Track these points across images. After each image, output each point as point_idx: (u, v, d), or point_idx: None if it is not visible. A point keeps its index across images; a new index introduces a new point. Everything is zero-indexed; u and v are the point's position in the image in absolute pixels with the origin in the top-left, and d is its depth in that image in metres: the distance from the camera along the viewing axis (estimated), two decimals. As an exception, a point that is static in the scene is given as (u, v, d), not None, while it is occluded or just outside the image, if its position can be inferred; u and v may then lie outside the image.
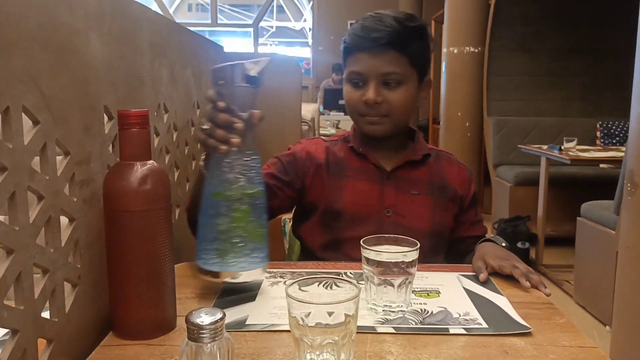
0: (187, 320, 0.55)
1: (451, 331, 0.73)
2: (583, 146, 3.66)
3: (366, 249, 0.79)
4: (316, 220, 1.13)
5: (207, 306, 0.60)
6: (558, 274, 3.27)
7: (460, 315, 0.78)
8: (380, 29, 1.03)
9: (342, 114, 5.87)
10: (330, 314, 0.58)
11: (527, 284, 0.89)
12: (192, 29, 1.37)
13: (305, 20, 14.69)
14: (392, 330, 0.73)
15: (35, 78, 0.58)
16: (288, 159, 1.15)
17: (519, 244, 3.42)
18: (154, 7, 7.09)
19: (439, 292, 0.87)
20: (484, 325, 0.75)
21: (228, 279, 0.81)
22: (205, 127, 0.81)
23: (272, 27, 15.55)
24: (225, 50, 1.72)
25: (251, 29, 7.58)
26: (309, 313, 0.58)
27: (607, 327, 2.52)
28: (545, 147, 3.53)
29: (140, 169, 0.69)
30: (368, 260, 0.79)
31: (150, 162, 0.71)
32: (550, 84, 4.65)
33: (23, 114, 0.57)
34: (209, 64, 1.49)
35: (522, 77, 4.65)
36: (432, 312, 0.79)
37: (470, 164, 4.55)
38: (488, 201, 4.73)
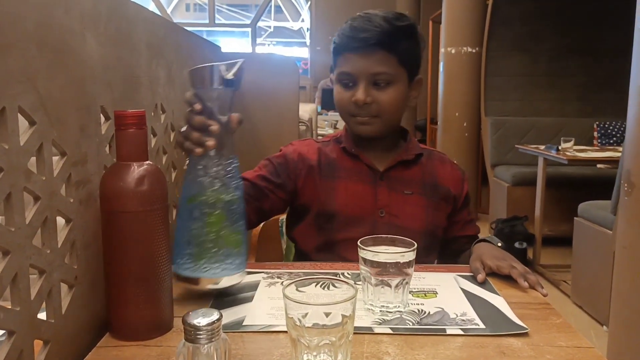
0: (184, 321, 0.55)
1: (448, 332, 0.73)
2: (580, 146, 3.66)
3: (363, 249, 0.79)
4: (309, 222, 1.12)
5: (204, 307, 0.60)
6: (555, 274, 3.27)
7: (457, 316, 0.78)
8: (369, 29, 1.03)
9: (340, 114, 5.85)
10: (327, 314, 0.58)
11: (525, 284, 0.89)
12: (189, 29, 1.37)
13: (303, 21, 14.69)
14: (390, 331, 0.73)
15: (32, 78, 0.58)
16: (279, 160, 1.14)
17: (517, 244, 3.42)
18: (152, 7, 7.08)
19: (436, 293, 0.87)
20: (481, 325, 0.75)
21: (210, 286, 0.80)
22: (182, 129, 0.81)
23: (269, 27, 15.55)
24: (223, 50, 1.72)
25: (249, 29, 7.58)
26: (306, 314, 0.58)
27: (605, 327, 2.53)
28: (542, 147, 3.54)
29: (137, 170, 0.69)
30: (365, 260, 0.79)
31: (147, 162, 0.71)
32: (547, 84, 4.66)
33: (19, 115, 0.57)
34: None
35: (519, 77, 4.66)
36: (429, 312, 0.80)
37: (467, 164, 4.56)
38: (486, 201, 4.74)
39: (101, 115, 0.76)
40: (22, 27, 0.57)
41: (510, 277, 0.92)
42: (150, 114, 0.97)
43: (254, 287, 0.89)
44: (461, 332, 0.73)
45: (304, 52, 12.32)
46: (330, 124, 5.08)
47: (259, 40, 12.10)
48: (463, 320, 0.77)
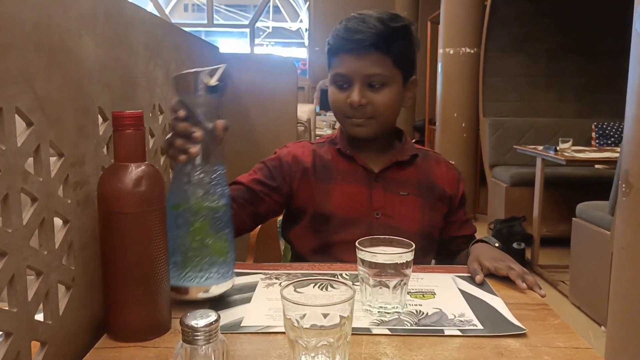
0: (182, 323, 0.54)
1: (446, 332, 0.73)
2: (578, 147, 3.67)
3: (361, 250, 0.79)
4: (305, 225, 1.12)
5: (201, 308, 0.60)
6: (553, 274, 3.27)
7: (455, 317, 0.78)
8: (363, 31, 1.03)
9: (339, 114, 5.85)
10: (325, 315, 0.58)
11: (524, 285, 0.89)
12: (188, 29, 1.37)
13: (301, 21, 14.70)
14: (388, 332, 0.73)
15: (29, 79, 0.58)
16: (274, 163, 1.13)
17: (515, 245, 3.43)
18: (150, 7, 7.07)
19: (434, 294, 0.87)
20: (479, 326, 0.75)
21: (199, 295, 0.78)
22: (167, 136, 0.80)
23: (268, 27, 15.55)
24: (221, 50, 1.72)
25: (247, 30, 7.58)
26: (304, 315, 0.58)
27: (603, 328, 2.53)
28: (540, 147, 3.54)
29: (134, 171, 0.69)
30: (363, 261, 0.79)
31: (145, 163, 0.71)
32: (545, 85, 4.67)
33: (16, 116, 0.56)
34: (204, 65, 1.49)
35: (517, 78, 4.66)
36: (427, 313, 0.80)
37: (466, 165, 4.56)
38: (484, 202, 4.74)
39: (99, 116, 0.76)
40: (20, 28, 0.56)
41: (508, 277, 0.92)
42: (148, 114, 0.97)
43: (252, 288, 0.89)
44: (459, 333, 0.73)
45: (302, 53, 12.33)
46: (328, 125, 5.07)
47: (257, 41, 12.10)
48: (461, 321, 0.77)
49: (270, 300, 0.83)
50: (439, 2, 4.75)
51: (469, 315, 0.79)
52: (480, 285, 0.91)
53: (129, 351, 0.68)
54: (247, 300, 0.83)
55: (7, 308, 0.56)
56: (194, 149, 0.76)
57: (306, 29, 11.54)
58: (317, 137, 1.41)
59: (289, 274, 0.96)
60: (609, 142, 4.27)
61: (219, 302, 0.82)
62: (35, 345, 0.60)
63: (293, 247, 1.18)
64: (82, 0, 0.70)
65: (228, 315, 0.77)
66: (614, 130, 4.29)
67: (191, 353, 0.54)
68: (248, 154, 1.74)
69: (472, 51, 4.55)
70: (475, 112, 4.64)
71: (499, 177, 4.25)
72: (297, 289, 0.65)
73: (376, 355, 0.67)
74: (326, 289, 0.66)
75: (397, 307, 0.79)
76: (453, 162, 1.27)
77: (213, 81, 0.76)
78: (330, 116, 5.97)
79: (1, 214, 0.55)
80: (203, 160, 0.78)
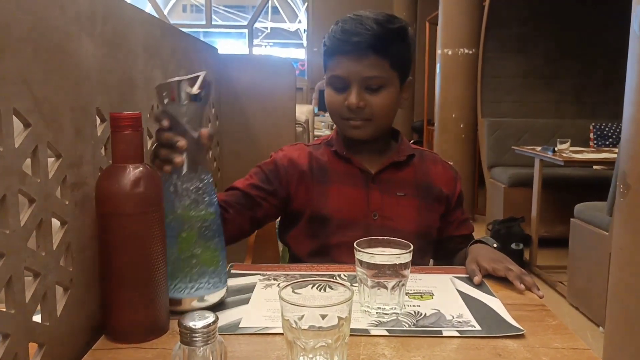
0: (180, 324, 0.54)
1: (444, 333, 0.73)
2: (576, 147, 3.68)
3: (360, 251, 0.79)
4: (303, 227, 1.12)
5: (199, 309, 0.61)
6: (552, 275, 3.28)
7: (453, 318, 0.78)
8: (361, 33, 1.02)
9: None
10: (323, 316, 0.58)
11: (522, 286, 0.89)
12: (186, 30, 1.36)
13: (300, 22, 14.71)
14: (386, 333, 0.73)
15: (27, 80, 0.58)
16: (270, 167, 1.13)
17: (513, 245, 3.43)
18: (148, 7, 7.07)
19: (433, 294, 0.88)
20: (477, 327, 0.75)
21: (194, 304, 0.78)
22: (153, 147, 0.80)
23: (266, 28, 15.55)
24: (220, 51, 1.72)
25: (246, 30, 7.58)
26: (302, 316, 0.58)
27: (601, 328, 2.54)
28: (539, 148, 3.55)
29: (132, 172, 0.69)
30: (361, 262, 0.79)
31: (143, 164, 0.71)
32: (544, 86, 4.68)
33: (14, 117, 0.56)
34: (203, 66, 1.49)
35: (516, 79, 4.67)
36: (425, 314, 0.80)
37: (464, 165, 4.57)
38: (482, 202, 4.75)
39: (97, 117, 0.75)
40: (17, 29, 0.56)
41: (506, 278, 0.92)
42: (146, 115, 0.97)
43: (250, 289, 0.89)
44: (457, 334, 0.73)
45: (300, 54, 12.34)
46: (327, 125, 5.07)
47: (255, 42, 12.11)
48: (459, 321, 0.77)
49: (269, 301, 0.83)
50: (438, 3, 4.75)
51: (467, 316, 0.79)
52: (479, 286, 0.91)
53: (126, 352, 0.68)
54: (246, 301, 0.83)
55: (4, 309, 0.56)
56: (178, 158, 0.76)
57: (305, 29, 11.54)
58: (316, 138, 1.40)
59: (287, 274, 0.96)
60: (607, 143, 4.27)
61: (216, 305, 0.82)
62: (32, 346, 0.60)
63: (291, 250, 1.18)
64: (80, 1, 0.70)
65: (226, 317, 0.77)
66: (612, 131, 4.30)
67: (189, 354, 0.54)
68: (246, 154, 1.74)
69: (470, 52, 4.56)
70: (474, 112, 4.64)
71: (498, 177, 4.26)
72: (295, 290, 0.65)
73: (374, 356, 0.67)
74: (324, 290, 0.66)
75: (395, 308, 0.79)
76: (451, 163, 1.27)
77: (195, 89, 0.75)
78: (328, 117, 5.97)
79: (-1, 215, 0.55)
80: (189, 169, 0.78)
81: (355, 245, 0.80)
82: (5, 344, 0.55)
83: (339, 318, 0.59)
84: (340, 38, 1.04)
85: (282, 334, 0.62)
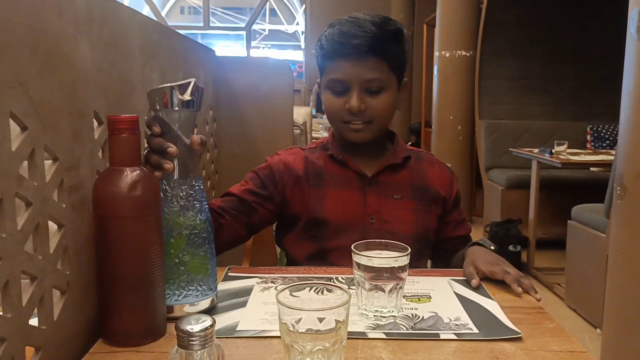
0: (177, 327, 0.54)
1: (442, 336, 0.73)
2: (574, 149, 3.68)
3: (357, 254, 0.79)
4: (300, 231, 1.12)
5: (197, 313, 0.60)
6: (549, 277, 3.28)
7: (451, 320, 0.78)
8: (360, 35, 1.02)
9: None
10: (320, 320, 0.58)
11: (519, 289, 0.89)
12: (184, 32, 1.36)
13: (297, 24, 14.71)
14: (383, 336, 0.73)
15: (24, 83, 0.58)
16: (265, 172, 1.13)
17: (511, 247, 3.43)
18: (146, 9, 7.06)
19: (430, 297, 0.88)
20: (475, 330, 0.75)
21: (185, 309, 0.77)
22: (145, 153, 0.80)
23: (264, 30, 15.55)
24: (218, 53, 1.72)
25: (244, 32, 7.58)
26: (300, 319, 0.58)
27: (598, 330, 2.54)
28: (536, 150, 3.55)
29: (130, 175, 0.69)
30: (359, 265, 0.79)
31: (141, 167, 0.70)
32: (541, 88, 4.69)
33: (11, 120, 0.56)
34: (201, 68, 1.49)
35: (513, 81, 4.68)
36: (423, 317, 0.80)
37: (462, 167, 4.57)
38: (480, 204, 4.75)
39: (94, 120, 0.75)
40: (14, 31, 0.56)
41: (504, 281, 0.92)
42: (144, 118, 0.97)
43: (247, 291, 0.88)
44: (455, 337, 0.73)
45: (298, 55, 12.34)
46: (325, 127, 5.07)
47: (253, 44, 12.11)
48: (457, 324, 0.77)
49: (266, 304, 0.83)
50: (435, 5, 4.76)
51: (465, 319, 0.79)
52: (476, 289, 0.91)
53: (124, 356, 0.67)
54: (243, 304, 0.83)
55: (1, 313, 0.55)
56: (168, 164, 0.75)
57: (302, 31, 11.55)
58: (313, 140, 1.40)
59: (285, 277, 0.96)
60: (604, 144, 4.28)
61: (215, 307, 0.81)
62: (29, 350, 0.60)
63: (288, 254, 1.18)
64: (77, 4, 0.70)
65: (223, 320, 0.77)
66: (609, 133, 4.31)
67: (186, 358, 0.54)
68: (244, 157, 1.74)
69: (467, 54, 4.57)
70: (471, 114, 4.65)
71: (495, 179, 4.26)
72: (293, 293, 0.65)
73: (372, 359, 0.67)
74: (322, 293, 0.66)
75: (392, 311, 0.79)
76: (449, 165, 1.27)
77: (186, 96, 0.75)
78: (326, 119, 5.96)
79: (-5, 218, 0.55)
80: (180, 175, 0.77)
81: (352, 248, 0.80)
82: (1, 348, 0.55)
83: (337, 321, 0.59)
84: (340, 41, 1.04)
85: (279, 337, 0.62)
